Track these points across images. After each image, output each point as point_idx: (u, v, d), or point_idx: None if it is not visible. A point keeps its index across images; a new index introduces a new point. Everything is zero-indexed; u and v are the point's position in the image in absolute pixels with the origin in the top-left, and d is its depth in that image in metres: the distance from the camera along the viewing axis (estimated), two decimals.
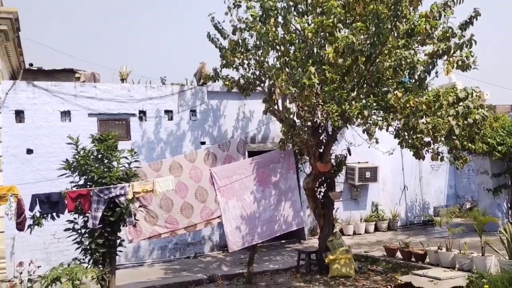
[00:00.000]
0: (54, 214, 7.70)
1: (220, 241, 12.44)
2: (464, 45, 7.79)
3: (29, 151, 10.59)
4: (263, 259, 11.41)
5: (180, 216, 9.43)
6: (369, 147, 9.30)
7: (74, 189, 7.96)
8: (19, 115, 10.61)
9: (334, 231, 10.62)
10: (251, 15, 9.49)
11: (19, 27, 10.91)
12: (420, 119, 7.84)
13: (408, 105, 7.83)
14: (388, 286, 8.82)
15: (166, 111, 12.17)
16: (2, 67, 10.59)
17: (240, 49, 10.51)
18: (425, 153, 8.58)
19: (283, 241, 13.01)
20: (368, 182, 14.39)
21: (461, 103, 7.89)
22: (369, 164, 14.26)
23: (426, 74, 8.03)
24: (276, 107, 10.37)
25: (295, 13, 9.63)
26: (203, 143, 12.44)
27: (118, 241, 8.23)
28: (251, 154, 11.55)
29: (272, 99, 10.27)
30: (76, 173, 8.07)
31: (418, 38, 8.40)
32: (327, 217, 10.21)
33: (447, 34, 8.11)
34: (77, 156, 7.99)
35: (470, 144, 10.26)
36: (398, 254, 10.51)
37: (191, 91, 12.54)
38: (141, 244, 11.23)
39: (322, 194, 10.39)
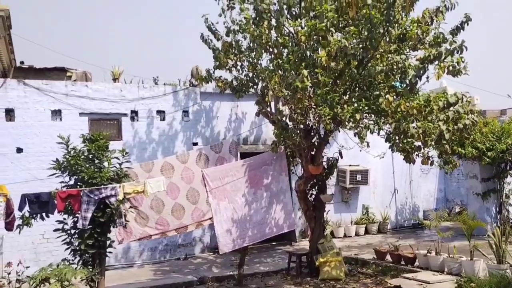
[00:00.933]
0: (44, 214, 7.65)
1: (211, 243, 12.42)
2: (455, 51, 7.86)
3: (19, 150, 10.50)
4: (253, 261, 11.42)
5: (171, 217, 9.39)
6: (360, 150, 9.35)
7: (64, 189, 7.90)
8: (9, 113, 10.53)
9: (325, 233, 10.66)
10: (245, 18, 9.51)
11: (11, 25, 10.83)
12: (411, 124, 7.90)
13: (399, 109, 7.88)
14: None
15: (158, 111, 12.14)
16: None
17: (233, 50, 10.51)
18: (416, 157, 8.65)
19: (274, 243, 13.02)
20: (359, 185, 14.47)
21: (451, 108, 7.97)
22: (360, 167, 14.35)
23: (417, 79, 8.11)
24: (268, 109, 10.38)
25: (288, 16, 9.65)
26: (195, 144, 12.43)
27: (108, 242, 8.18)
28: (243, 155, 11.55)
29: (264, 101, 10.27)
30: (66, 173, 8.01)
31: (410, 43, 8.47)
32: (318, 219, 10.23)
33: (438, 40, 8.19)
34: (67, 156, 7.93)
35: (460, 149, 10.37)
36: (388, 257, 10.59)
37: (183, 91, 12.53)
38: (131, 245, 11.18)
39: (313, 196, 10.42)
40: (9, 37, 11.37)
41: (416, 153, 8.55)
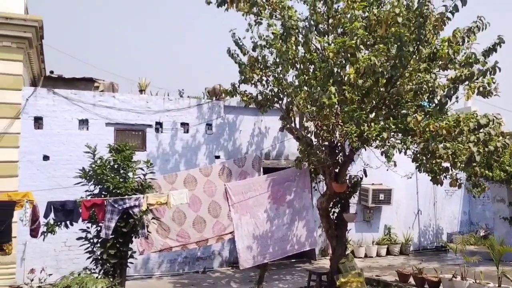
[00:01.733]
0: (68, 222, 7.73)
1: (229, 257, 12.33)
2: (488, 72, 7.71)
3: (46, 158, 10.66)
4: (272, 277, 11.25)
5: (192, 230, 9.39)
6: (387, 169, 9.19)
7: (89, 198, 7.98)
8: (38, 121, 10.71)
9: (347, 253, 10.46)
10: (273, 33, 9.54)
11: (43, 35, 11.10)
12: (439, 144, 7.74)
13: (427, 129, 7.75)
14: None
15: (183, 124, 12.21)
16: (24, 73, 10.73)
17: (259, 65, 10.58)
18: (443, 179, 8.45)
19: (293, 260, 12.84)
20: (382, 205, 14.21)
21: (482, 130, 7.78)
22: (383, 186, 14.11)
23: (447, 98, 7.96)
24: (293, 125, 10.34)
25: (315, 32, 9.66)
26: (217, 157, 12.44)
27: (130, 252, 8.21)
28: (265, 170, 11.49)
29: (289, 116, 10.26)
30: (92, 182, 8.10)
31: (440, 62, 8.36)
32: (340, 238, 10.06)
33: (470, 60, 8.05)
34: (93, 165, 8.02)
35: (487, 172, 10.11)
36: (411, 280, 10.30)
37: (208, 105, 12.59)
38: (151, 256, 11.16)
39: (335, 214, 10.26)
40: (40, 47, 11.65)
41: (444, 174, 8.36)
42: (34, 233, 7.59)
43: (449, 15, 7.62)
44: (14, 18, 9.86)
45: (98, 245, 7.90)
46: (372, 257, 14.02)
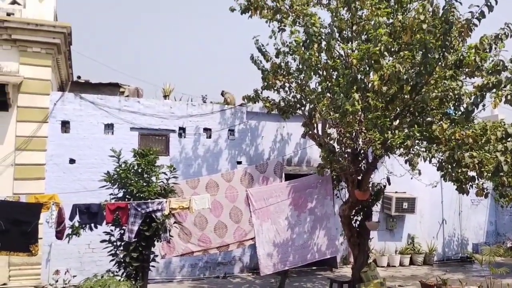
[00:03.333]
0: (93, 224, 7.85)
1: (250, 263, 12.32)
2: None
3: (72, 161, 10.88)
4: (293, 284, 11.19)
5: (214, 235, 9.42)
6: (411, 178, 9.05)
7: (113, 201, 8.10)
8: (65, 125, 10.95)
9: (369, 261, 10.32)
10: (295, 40, 9.54)
11: (71, 41, 11.39)
12: (466, 153, 7.59)
13: (453, 137, 7.61)
14: None
15: (205, 129, 12.31)
16: (52, 78, 11.02)
17: (282, 72, 10.60)
18: (470, 188, 8.27)
19: (314, 268, 12.74)
20: (405, 213, 13.99)
21: (509, 139, 7.59)
22: (407, 195, 13.90)
23: (474, 106, 7.80)
24: (315, 131, 10.30)
25: (339, 39, 9.62)
26: (239, 162, 12.48)
27: (152, 256, 8.29)
28: (287, 176, 11.47)
29: (312, 123, 10.22)
30: (116, 186, 8.23)
31: (467, 69, 8.21)
32: (362, 246, 9.94)
33: (498, 67, 7.87)
34: (118, 169, 8.15)
35: None
36: None
37: (230, 110, 12.66)
38: (172, 260, 11.25)
39: (358, 222, 10.15)
40: (68, 53, 11.95)
41: (470, 183, 8.18)
42: (59, 235, 7.74)
43: (475, 21, 7.49)
44: (44, 25, 10.15)
45: (121, 248, 8.00)
46: (395, 266, 13.80)
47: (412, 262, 14.18)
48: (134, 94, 13.03)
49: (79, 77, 13.48)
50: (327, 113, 8.74)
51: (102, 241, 8.11)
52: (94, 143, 11.06)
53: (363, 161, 9.71)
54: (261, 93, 11.28)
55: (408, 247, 14.28)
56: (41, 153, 10.24)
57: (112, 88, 12.78)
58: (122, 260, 7.93)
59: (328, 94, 9.07)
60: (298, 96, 10.73)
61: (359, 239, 9.92)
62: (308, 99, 10.16)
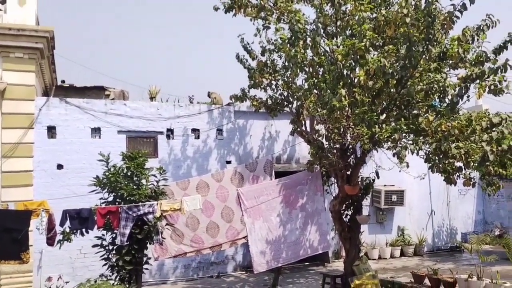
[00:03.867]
0: (84, 230, 7.81)
1: (243, 261, 12.34)
2: (499, 70, 7.65)
3: (59, 167, 10.78)
4: (286, 281, 11.24)
5: (206, 235, 9.43)
6: (399, 171, 9.16)
7: (104, 205, 8.06)
8: (51, 131, 10.85)
9: (360, 255, 10.42)
10: (280, 38, 9.56)
11: (54, 45, 11.25)
12: (452, 144, 7.70)
13: (439, 129, 7.71)
14: None
15: (193, 130, 12.29)
16: (36, 83, 10.88)
17: (268, 70, 10.62)
18: (457, 179, 8.39)
19: (306, 263, 12.81)
20: (394, 206, 14.15)
21: (494, 129, 7.72)
22: (395, 188, 14.05)
23: (458, 98, 7.92)
24: (303, 128, 10.35)
25: (324, 35, 9.67)
26: (228, 162, 12.48)
27: (145, 258, 8.27)
28: (277, 174, 11.50)
29: (299, 120, 10.27)
30: (106, 190, 8.18)
31: (450, 61, 8.33)
32: (353, 240, 10.02)
33: (481, 58, 8.00)
34: (107, 173, 8.10)
35: (501, 170, 10.00)
36: (426, 281, 10.20)
37: (218, 110, 12.65)
38: (165, 261, 11.22)
39: (348, 217, 10.24)
40: (52, 57, 11.80)
41: (457, 174, 8.31)
42: (50, 241, 7.68)
43: (458, 13, 7.60)
44: (26, 30, 10.01)
45: (114, 252, 7.97)
46: (386, 258, 13.95)
47: (402, 254, 14.35)
48: (120, 97, 12.94)
49: (63, 81, 13.33)
50: (314, 109, 8.79)
51: (94, 246, 8.07)
52: (81, 148, 10.97)
53: (352, 156, 9.79)
54: (248, 91, 11.30)
55: (399, 239, 14.45)
56: (28, 160, 10.11)
57: (97, 91, 12.69)
58: (115, 264, 7.90)
59: (315, 91, 9.13)
60: (285, 93, 10.78)
61: (350, 233, 10.01)
62: (295, 96, 10.21)
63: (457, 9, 7.51)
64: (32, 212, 7.52)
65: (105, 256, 8.02)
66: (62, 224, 7.68)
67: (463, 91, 7.79)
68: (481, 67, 7.83)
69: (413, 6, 7.91)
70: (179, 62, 37.23)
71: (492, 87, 8.00)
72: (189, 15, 40.63)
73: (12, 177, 9.82)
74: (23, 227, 7.38)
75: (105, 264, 8.03)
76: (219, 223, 9.45)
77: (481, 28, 7.95)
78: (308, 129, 10.47)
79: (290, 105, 10.84)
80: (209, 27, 40.06)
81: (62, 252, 9.56)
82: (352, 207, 10.29)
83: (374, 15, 8.74)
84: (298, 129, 10.47)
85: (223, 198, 9.52)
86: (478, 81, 7.98)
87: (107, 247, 8.03)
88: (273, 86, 10.90)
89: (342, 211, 10.14)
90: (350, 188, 9.41)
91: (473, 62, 8.13)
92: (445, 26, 7.85)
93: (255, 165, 10.08)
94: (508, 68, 7.60)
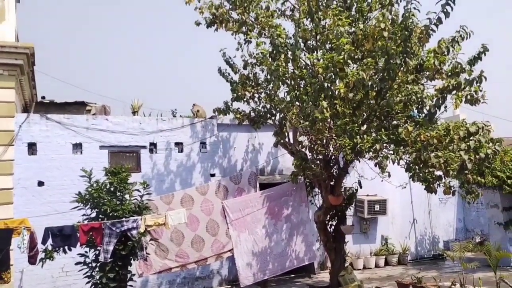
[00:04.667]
0: (66, 247, 7.69)
1: (229, 275, 12.25)
2: (474, 81, 7.90)
3: (40, 183, 10.62)
4: None
5: (191, 249, 9.38)
6: (381, 180, 9.30)
7: (86, 222, 7.97)
8: (32, 147, 10.69)
9: (345, 265, 10.49)
10: (262, 52, 9.69)
11: (34, 62, 11.15)
12: (431, 153, 7.88)
13: (419, 139, 7.90)
14: None
15: (177, 143, 12.25)
16: (16, 100, 10.75)
17: (250, 83, 10.73)
18: (437, 187, 8.57)
19: (292, 275, 12.76)
20: (378, 215, 14.28)
21: (472, 138, 7.94)
22: (378, 197, 14.20)
23: (436, 108, 8.13)
24: (287, 140, 10.44)
25: (304, 48, 9.84)
26: (212, 175, 12.46)
27: (129, 275, 8.18)
28: (261, 186, 11.53)
29: (282, 132, 10.37)
30: (88, 206, 8.10)
31: (427, 73, 8.55)
32: (338, 250, 10.11)
33: (457, 70, 8.24)
34: (90, 189, 8.03)
35: (479, 178, 10.26)
36: None
37: (201, 123, 12.67)
38: (149, 278, 11.06)
39: (333, 227, 10.32)
40: (32, 73, 11.70)
41: (438, 183, 8.49)
42: (32, 260, 7.54)
43: (433, 27, 7.84)
44: (5, 46, 9.91)
45: (97, 269, 7.87)
46: (370, 268, 14.03)
47: (387, 263, 14.45)
48: (102, 112, 12.86)
49: (43, 97, 13.19)
50: (297, 121, 8.91)
51: (77, 263, 7.96)
52: (63, 164, 10.83)
53: (335, 167, 9.92)
54: (231, 104, 11.37)
55: (382, 248, 14.56)
56: (8, 177, 9.92)
57: (78, 107, 12.57)
58: (98, 282, 7.79)
59: (297, 103, 9.25)
60: (268, 106, 10.88)
61: (335, 244, 10.09)
62: (277, 109, 10.31)
63: (433, 22, 7.75)
64: (13, 230, 7.39)
65: (88, 273, 7.91)
66: (44, 242, 7.56)
67: (441, 102, 8.02)
68: (457, 78, 8.08)
69: (390, 20, 8.13)
70: (162, 75, 37.21)
71: (469, 97, 8.27)
72: (171, 29, 40.76)
73: None
74: (4, 246, 7.24)
75: (88, 282, 7.91)
76: (204, 237, 9.42)
77: (456, 39, 8.22)
78: (291, 141, 10.57)
79: (273, 117, 10.94)
80: (192, 40, 40.21)
81: (44, 271, 9.42)
82: (336, 217, 10.39)
83: (353, 29, 8.94)
84: (282, 141, 10.56)
85: (208, 211, 9.51)
86: (454, 91, 8.22)
87: (90, 265, 7.92)
88: (256, 99, 11.01)
89: (326, 222, 10.23)
90: (334, 199, 9.52)
91: (449, 74, 8.37)
92: (422, 39, 8.09)
93: (239, 178, 10.10)
94: (483, 79, 7.86)
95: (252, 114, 11.15)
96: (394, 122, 8.86)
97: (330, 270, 10.40)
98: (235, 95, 10.89)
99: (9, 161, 10.01)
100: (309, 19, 9.67)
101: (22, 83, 11.21)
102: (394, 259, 14.50)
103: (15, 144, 10.33)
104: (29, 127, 10.71)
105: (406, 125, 8.24)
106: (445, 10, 7.56)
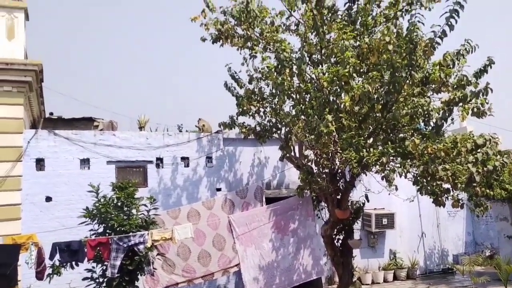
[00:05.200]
0: (74, 262, 7.70)
1: None
2: (480, 93, 7.89)
3: (48, 199, 10.67)
4: None
5: (198, 264, 9.35)
6: (389, 194, 9.25)
7: (93, 237, 7.98)
8: (40, 163, 10.78)
9: (353, 280, 10.37)
10: (267, 67, 9.75)
11: (43, 78, 11.31)
12: (439, 166, 7.84)
13: (426, 151, 7.86)
14: None
15: (183, 158, 12.30)
16: (25, 116, 10.88)
17: (256, 97, 10.78)
18: (445, 200, 8.50)
19: None
20: (385, 229, 14.16)
21: (479, 150, 7.89)
22: (385, 211, 14.10)
23: (443, 121, 8.11)
24: (292, 154, 10.44)
25: (309, 62, 9.90)
26: (218, 189, 12.46)
27: None
28: (267, 200, 11.51)
29: (288, 146, 10.38)
30: (96, 221, 8.12)
31: (433, 86, 8.55)
32: (346, 265, 10.01)
33: (462, 82, 8.24)
34: (97, 204, 8.06)
35: (488, 191, 10.17)
36: None
37: (207, 138, 12.72)
38: None
39: (340, 241, 10.24)
40: (40, 90, 11.85)
41: (446, 196, 8.42)
42: (40, 275, 7.55)
43: (438, 40, 7.86)
44: (14, 64, 10.07)
45: (104, 284, 7.85)
46: (379, 283, 13.87)
47: (395, 278, 14.28)
48: (109, 127, 12.95)
49: (51, 114, 13.34)
50: (302, 135, 8.91)
51: (84, 279, 7.95)
52: (70, 179, 10.90)
53: (341, 180, 9.88)
54: (237, 119, 11.42)
55: (391, 262, 14.40)
56: (16, 193, 10.00)
57: (86, 122, 12.70)
58: None
59: (303, 117, 9.27)
60: (273, 120, 10.91)
61: (343, 258, 10.00)
62: (283, 123, 10.34)
63: (438, 35, 7.78)
64: (21, 246, 7.43)
65: None
66: (51, 257, 7.58)
67: (447, 114, 8.00)
68: (463, 90, 8.06)
69: (395, 34, 8.17)
70: (168, 91, 37.48)
71: (475, 109, 8.23)
72: (177, 44, 41.17)
73: (0, 211, 9.68)
74: (12, 261, 7.27)
75: None
76: (211, 252, 9.39)
77: (461, 53, 8.22)
78: (297, 155, 10.57)
79: (278, 131, 10.96)
80: (198, 55, 40.56)
81: (51, 286, 9.36)
82: (343, 232, 10.31)
83: (358, 43, 8.99)
84: (287, 155, 10.56)
85: (214, 225, 9.49)
86: (461, 104, 8.21)
87: (97, 280, 7.91)
88: (261, 113, 11.05)
89: (333, 236, 10.16)
90: (341, 212, 9.46)
91: (455, 86, 8.36)
92: (427, 52, 8.10)
93: (245, 192, 10.09)
94: (489, 91, 7.84)
95: (258, 128, 11.18)
96: (401, 135, 8.83)
97: (338, 285, 10.28)
98: (240, 109, 10.94)
99: (18, 176, 10.09)
100: (314, 33, 9.74)
101: (30, 100, 11.35)
102: (403, 273, 14.33)
103: (23, 160, 10.43)
104: (37, 143, 10.81)
105: (413, 138, 8.21)
106: (449, 23, 7.59)
